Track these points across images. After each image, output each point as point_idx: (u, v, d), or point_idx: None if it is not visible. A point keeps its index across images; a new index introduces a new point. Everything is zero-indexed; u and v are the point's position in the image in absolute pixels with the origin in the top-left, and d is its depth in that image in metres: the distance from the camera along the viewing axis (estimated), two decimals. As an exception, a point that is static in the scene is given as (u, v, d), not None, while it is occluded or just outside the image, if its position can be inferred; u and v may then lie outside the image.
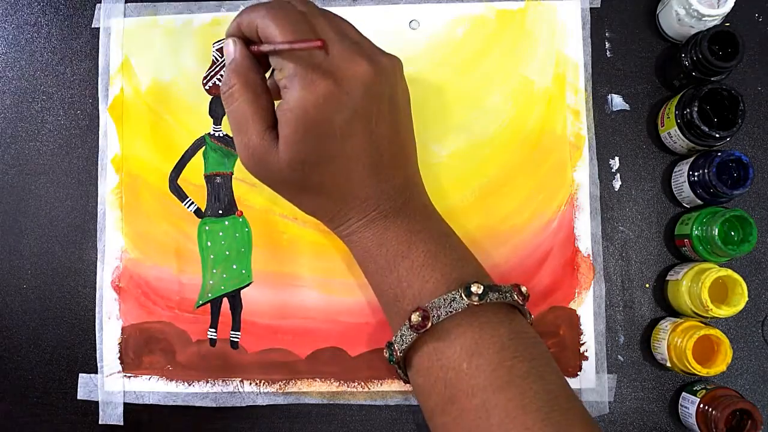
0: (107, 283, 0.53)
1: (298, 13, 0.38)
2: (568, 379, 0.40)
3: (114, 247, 0.53)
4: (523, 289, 0.40)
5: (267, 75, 0.41)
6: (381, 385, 0.51)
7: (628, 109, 0.52)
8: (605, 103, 0.52)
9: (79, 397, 0.52)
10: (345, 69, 0.37)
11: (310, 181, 0.39)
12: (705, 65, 0.47)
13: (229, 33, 0.41)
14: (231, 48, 0.40)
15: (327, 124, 0.37)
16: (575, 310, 0.50)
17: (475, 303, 0.37)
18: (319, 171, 0.39)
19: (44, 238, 0.54)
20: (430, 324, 0.37)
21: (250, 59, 0.40)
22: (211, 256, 0.52)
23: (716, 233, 0.45)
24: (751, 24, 0.52)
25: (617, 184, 0.52)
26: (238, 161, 0.53)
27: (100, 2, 0.55)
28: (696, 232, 0.47)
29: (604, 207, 0.51)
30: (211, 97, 0.54)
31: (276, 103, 0.40)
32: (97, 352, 0.52)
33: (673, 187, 0.51)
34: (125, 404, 0.52)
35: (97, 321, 0.53)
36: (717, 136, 0.46)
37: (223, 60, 0.53)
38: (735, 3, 0.47)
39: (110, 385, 0.52)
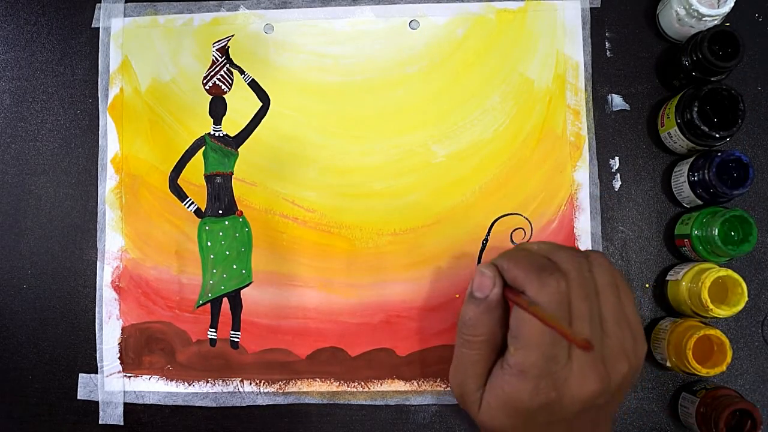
0: (107, 283, 0.53)
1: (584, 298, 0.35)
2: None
3: (114, 247, 0.53)
4: None
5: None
6: (381, 385, 0.51)
7: (628, 109, 0.52)
8: (605, 103, 0.52)
9: (79, 397, 0.52)
10: (574, 387, 0.34)
11: None
12: (705, 65, 0.47)
13: (491, 262, 0.37)
14: (488, 282, 0.36)
15: (531, 422, 0.35)
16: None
17: None
18: None
19: (44, 238, 0.54)
20: None
21: (503, 309, 0.37)
22: (211, 256, 0.52)
23: (716, 233, 0.45)
24: (751, 24, 0.52)
25: (617, 184, 0.52)
26: (238, 161, 0.53)
27: (100, 2, 0.55)
28: (696, 232, 0.47)
29: (604, 207, 0.51)
30: (211, 97, 0.53)
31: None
32: (97, 352, 0.52)
33: (673, 187, 0.51)
34: (125, 404, 0.52)
35: (97, 321, 0.53)
36: (717, 136, 0.46)
37: (224, 60, 0.53)
38: (735, 3, 0.47)
39: (110, 385, 0.52)
